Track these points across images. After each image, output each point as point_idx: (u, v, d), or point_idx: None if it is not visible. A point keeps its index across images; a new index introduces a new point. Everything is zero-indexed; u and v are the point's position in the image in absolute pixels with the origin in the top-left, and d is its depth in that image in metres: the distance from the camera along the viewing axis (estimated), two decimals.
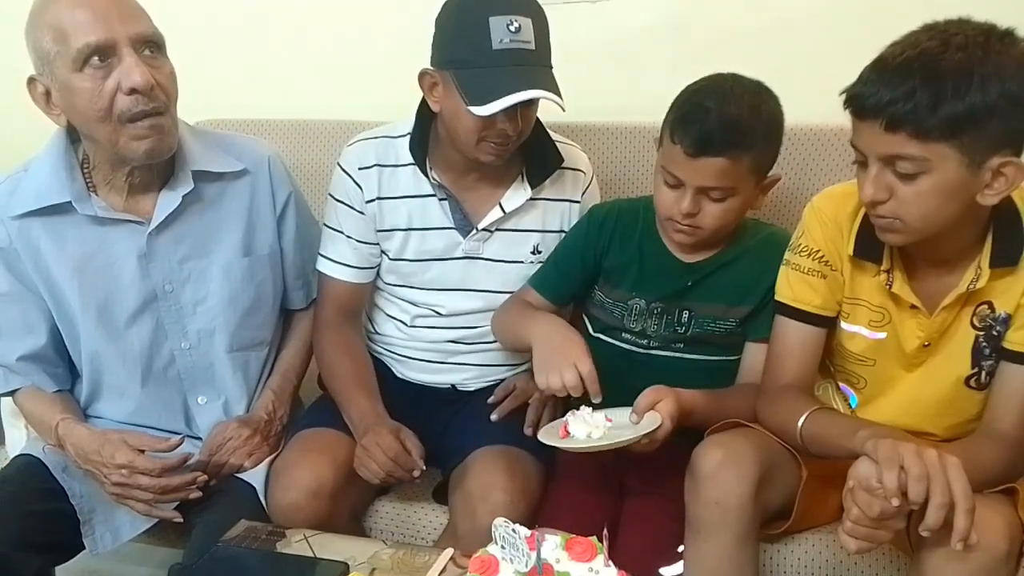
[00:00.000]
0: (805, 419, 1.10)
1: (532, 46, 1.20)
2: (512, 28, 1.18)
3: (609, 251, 1.33)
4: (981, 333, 1.10)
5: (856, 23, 1.55)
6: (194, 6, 1.87)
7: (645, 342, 1.32)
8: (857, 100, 0.99)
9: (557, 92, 1.21)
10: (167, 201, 1.27)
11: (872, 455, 0.92)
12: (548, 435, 1.17)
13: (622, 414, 1.16)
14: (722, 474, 1.08)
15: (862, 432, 0.99)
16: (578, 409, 1.16)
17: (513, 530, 0.87)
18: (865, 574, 1.19)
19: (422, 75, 1.30)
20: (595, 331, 1.38)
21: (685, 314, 1.29)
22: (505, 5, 1.19)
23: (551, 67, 1.24)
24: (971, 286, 1.07)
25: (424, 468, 1.25)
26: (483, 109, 1.18)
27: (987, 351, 1.10)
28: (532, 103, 1.24)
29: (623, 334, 1.33)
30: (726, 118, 1.14)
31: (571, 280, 1.36)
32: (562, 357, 1.15)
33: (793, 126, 1.51)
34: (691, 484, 1.11)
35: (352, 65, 1.84)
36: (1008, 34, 0.97)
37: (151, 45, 1.17)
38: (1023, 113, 0.96)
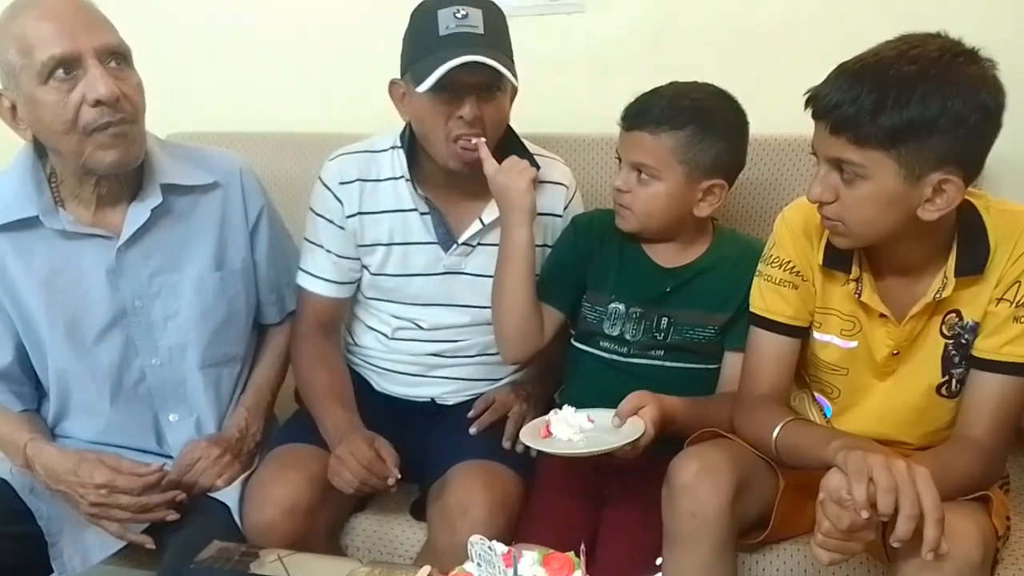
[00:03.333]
0: (780, 430, 1.10)
1: (480, 30, 1.22)
2: (459, 15, 1.21)
3: (592, 256, 1.34)
4: (950, 341, 1.11)
5: (827, 34, 1.56)
6: (170, 19, 1.86)
7: (625, 349, 1.32)
8: (812, 100, 1.02)
9: (508, 68, 1.22)
10: (136, 215, 1.25)
11: (842, 467, 0.92)
12: (530, 435, 1.17)
13: (605, 416, 1.16)
14: (698, 485, 1.08)
15: (834, 443, 1.00)
16: (561, 408, 1.16)
17: (489, 547, 0.86)
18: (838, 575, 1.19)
19: (391, 86, 1.31)
20: (574, 340, 1.38)
21: (664, 320, 1.30)
22: None
23: (504, 53, 1.24)
24: (938, 295, 1.08)
25: (399, 476, 1.24)
26: (426, 83, 1.19)
27: (956, 359, 1.11)
28: (492, 95, 1.25)
29: (601, 341, 1.33)
30: (661, 98, 1.23)
31: (567, 280, 1.36)
32: None
33: (765, 135, 1.52)
34: (668, 496, 1.11)
35: (329, 78, 1.83)
36: (968, 53, 0.97)
37: (117, 56, 1.16)
38: (967, 133, 0.96)
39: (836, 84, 0.99)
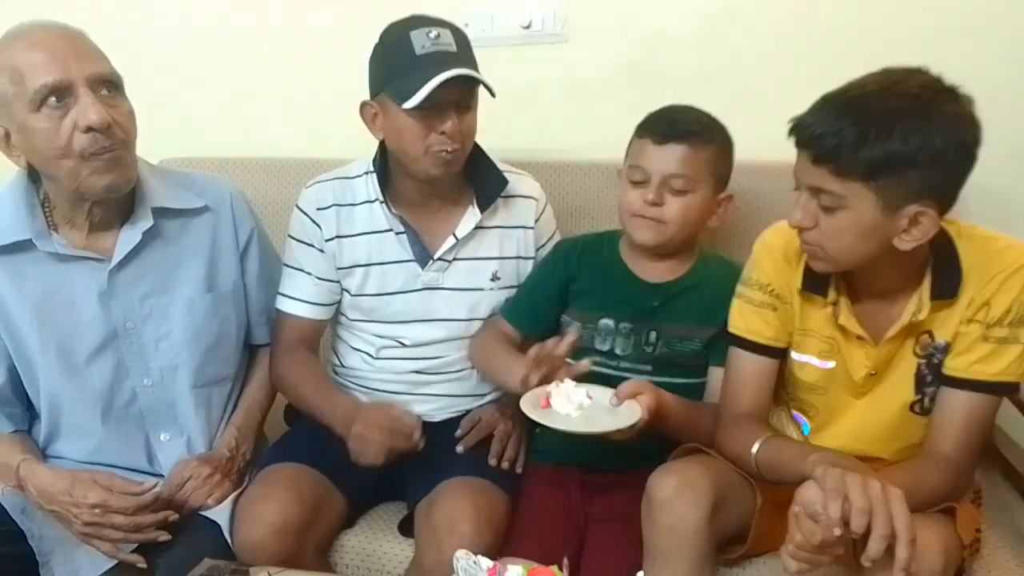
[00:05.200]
0: (759, 446, 1.13)
1: (453, 49, 1.28)
2: (432, 35, 1.27)
3: (577, 279, 1.38)
4: (923, 361, 1.14)
5: (802, 66, 1.61)
6: (160, 47, 1.89)
7: (615, 363, 1.36)
8: (796, 130, 1.05)
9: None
10: (128, 238, 1.27)
11: (819, 482, 0.95)
12: (530, 404, 1.17)
13: (603, 394, 1.18)
14: (677, 500, 1.10)
15: (813, 456, 1.02)
16: (562, 382, 1.18)
17: (474, 562, 0.88)
18: None
19: (362, 108, 1.35)
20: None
21: (653, 334, 1.34)
22: (422, 21, 1.29)
23: (476, 69, 1.29)
24: (913, 318, 1.11)
25: (422, 431, 1.27)
26: (414, 100, 1.23)
27: (929, 378, 1.15)
28: (468, 108, 1.31)
29: (592, 355, 1.36)
30: (689, 112, 1.31)
31: (541, 310, 1.41)
32: None
33: (741, 162, 1.58)
34: (647, 511, 1.14)
35: (317, 104, 1.86)
36: (949, 91, 1.00)
37: (108, 85, 1.19)
38: (945, 168, 0.99)
39: (819, 116, 1.02)
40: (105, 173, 1.19)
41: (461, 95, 1.28)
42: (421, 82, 1.23)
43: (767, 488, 1.18)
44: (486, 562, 0.91)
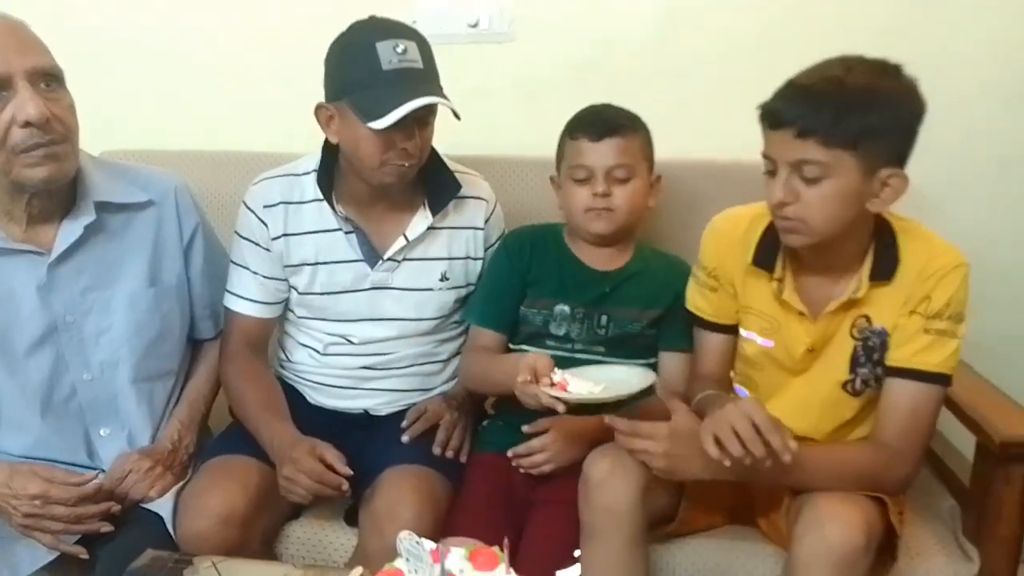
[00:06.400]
0: (696, 400, 1.24)
1: (420, 65, 1.28)
2: (399, 50, 1.26)
3: (531, 269, 1.44)
4: (859, 343, 1.21)
5: (745, 66, 1.68)
6: (107, 39, 1.87)
7: (569, 346, 1.42)
8: (773, 113, 1.12)
9: (449, 101, 1.28)
10: (68, 231, 1.26)
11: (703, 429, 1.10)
12: (553, 395, 1.19)
13: (580, 381, 1.23)
14: (611, 481, 1.16)
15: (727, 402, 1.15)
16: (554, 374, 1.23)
17: (417, 542, 0.90)
18: (746, 568, 1.27)
19: (318, 110, 1.34)
20: (516, 343, 1.45)
21: (604, 318, 1.41)
22: (389, 31, 1.28)
23: (440, 85, 1.31)
24: (852, 295, 1.19)
25: (351, 473, 1.27)
26: (381, 122, 1.24)
27: (863, 360, 1.22)
28: (428, 123, 1.32)
29: (547, 340, 1.42)
30: (611, 109, 1.41)
31: (506, 305, 1.45)
32: None
33: (686, 160, 1.65)
34: (583, 492, 1.19)
35: (264, 97, 1.86)
36: (897, 68, 1.12)
37: (48, 78, 1.18)
38: (908, 135, 1.12)
39: (796, 97, 1.11)
40: (39, 166, 1.17)
41: (424, 114, 1.29)
42: (388, 103, 1.23)
43: None
44: (429, 544, 0.93)
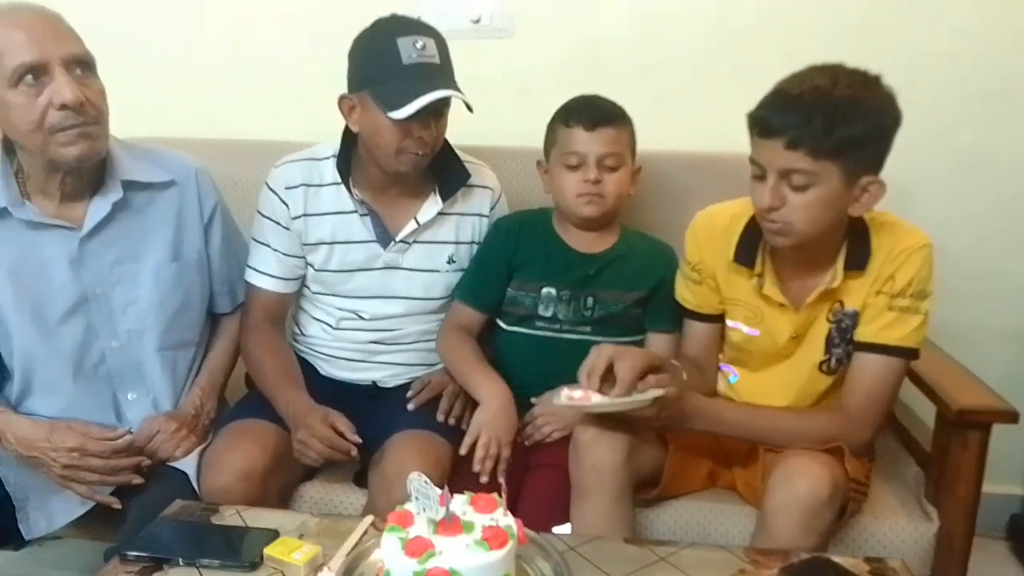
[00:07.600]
0: None
1: (437, 61, 1.37)
2: (418, 46, 1.35)
3: (518, 252, 1.52)
4: (833, 325, 1.30)
5: (729, 64, 1.79)
6: (131, 29, 1.95)
7: (557, 326, 1.51)
8: (763, 122, 1.16)
9: (463, 95, 1.37)
10: (98, 208, 1.34)
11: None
12: (577, 406, 1.22)
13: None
14: (598, 442, 1.25)
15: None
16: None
17: (426, 482, 0.99)
18: (725, 526, 1.37)
19: (341, 100, 1.43)
20: (509, 325, 1.54)
21: (590, 299, 1.49)
22: (409, 28, 1.37)
23: (455, 80, 1.40)
24: (829, 286, 1.27)
25: (360, 442, 1.36)
26: (401, 112, 1.33)
27: (836, 340, 1.31)
28: (442, 114, 1.41)
29: (536, 322, 1.51)
30: (603, 100, 1.48)
31: (492, 286, 1.53)
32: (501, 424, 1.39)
33: (673, 152, 1.74)
34: (573, 452, 1.29)
35: (282, 88, 1.95)
36: (877, 79, 1.18)
37: (82, 65, 1.26)
38: (886, 143, 1.18)
39: (785, 108, 1.14)
40: (73, 144, 1.25)
41: (440, 106, 1.38)
42: (407, 94, 1.32)
43: (676, 436, 1.35)
44: (436, 489, 1.01)
